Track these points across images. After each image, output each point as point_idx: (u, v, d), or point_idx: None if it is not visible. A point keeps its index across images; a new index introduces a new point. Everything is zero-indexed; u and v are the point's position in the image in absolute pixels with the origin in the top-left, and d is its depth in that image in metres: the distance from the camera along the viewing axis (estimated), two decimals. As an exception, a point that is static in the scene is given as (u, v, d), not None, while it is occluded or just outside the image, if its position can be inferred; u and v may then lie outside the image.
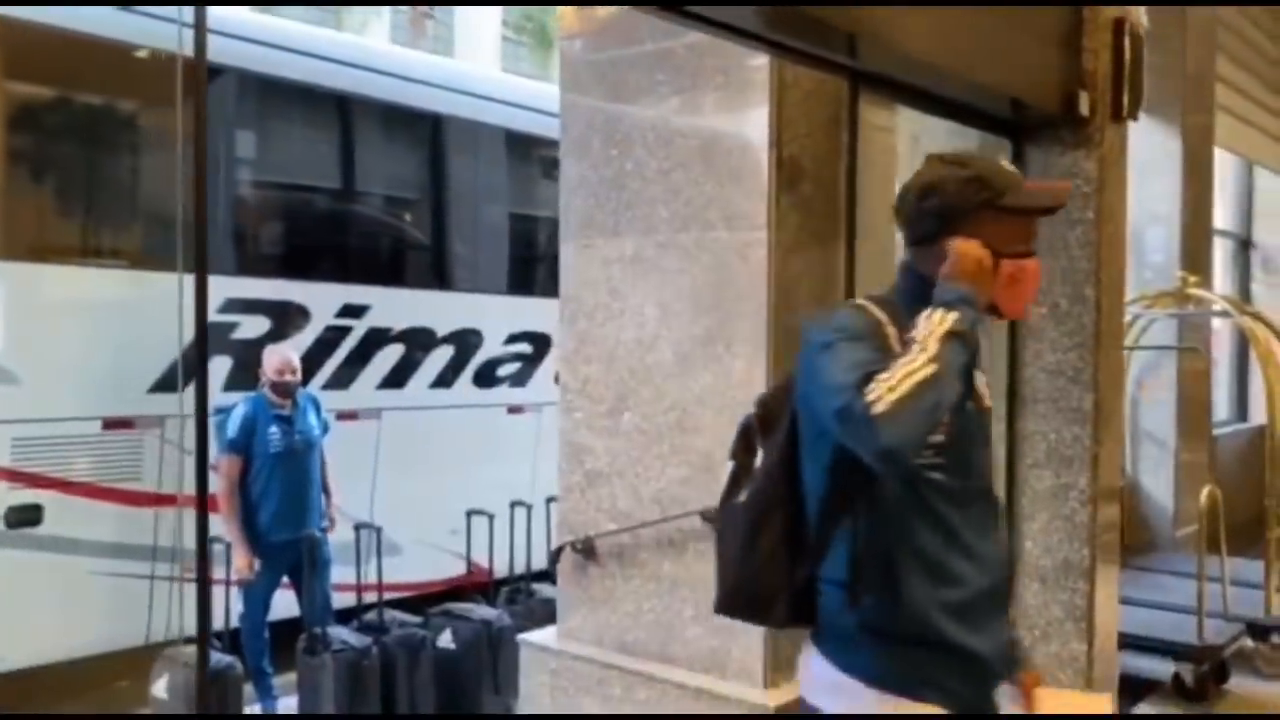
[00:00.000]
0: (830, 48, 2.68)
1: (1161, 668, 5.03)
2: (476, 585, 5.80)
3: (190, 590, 5.49)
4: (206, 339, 2.10)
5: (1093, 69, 3.42)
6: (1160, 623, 5.07)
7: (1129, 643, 4.53)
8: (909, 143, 3.69)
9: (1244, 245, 10.14)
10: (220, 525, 5.01)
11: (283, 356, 5.34)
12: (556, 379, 4.07)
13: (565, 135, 3.95)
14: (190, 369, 5.48)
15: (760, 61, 3.36)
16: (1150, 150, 6.29)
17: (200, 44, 1.84)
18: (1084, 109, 3.34)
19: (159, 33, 5.18)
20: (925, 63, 2.77)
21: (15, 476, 5.08)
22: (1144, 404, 6.70)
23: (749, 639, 3.41)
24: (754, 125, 3.39)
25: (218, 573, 4.72)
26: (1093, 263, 3.44)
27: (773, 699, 3.32)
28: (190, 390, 5.44)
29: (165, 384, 5.47)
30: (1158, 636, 4.97)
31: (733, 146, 3.47)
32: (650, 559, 3.69)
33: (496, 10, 20.66)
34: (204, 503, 2.74)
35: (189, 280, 5.36)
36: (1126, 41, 3.41)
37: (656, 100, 3.67)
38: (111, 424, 5.42)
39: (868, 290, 2.90)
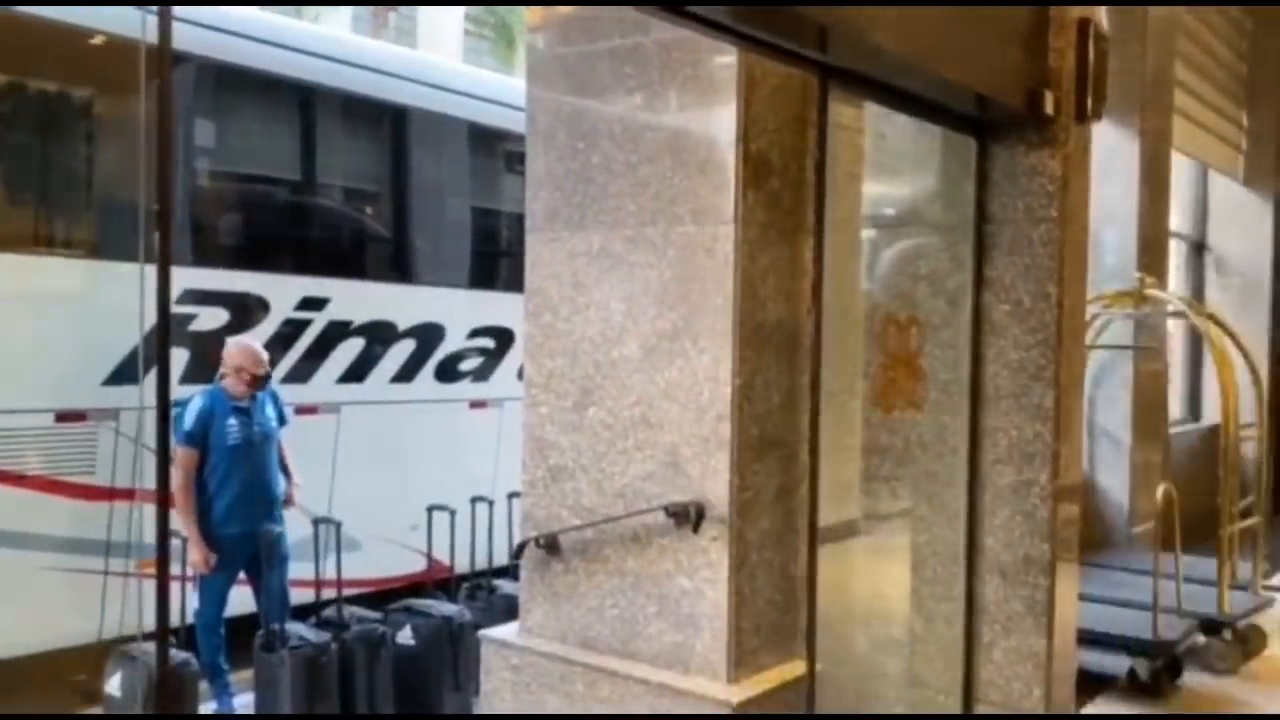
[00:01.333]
0: (801, 41, 2.68)
1: (1116, 663, 5.10)
2: (437, 581, 5.76)
3: (145, 586, 5.43)
4: (169, 330, 2.06)
5: (1058, 68, 3.45)
6: (1116, 619, 5.14)
7: (1085, 638, 4.58)
8: (875, 140, 3.71)
9: (1198, 248, 10.32)
10: (176, 519, 4.93)
11: (254, 350, 5.26)
12: (520, 374, 4.04)
13: (531, 128, 3.92)
14: (147, 361, 5.40)
15: (728, 58, 3.35)
16: (1108, 152, 6.36)
17: (165, 32, 1.79)
18: (1049, 108, 3.37)
19: (120, 18, 5.09)
20: (895, 58, 2.78)
21: (-37, 470, 4.97)
22: (1100, 403, 6.79)
23: (712, 635, 3.41)
24: (722, 120, 3.39)
25: (173, 568, 4.64)
26: (1055, 261, 3.47)
27: (735, 694, 3.32)
28: (147, 382, 5.38)
29: (120, 376, 5.37)
30: (1113, 632, 5.04)
31: (700, 141, 3.46)
32: (614, 555, 3.67)
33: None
34: (164, 498, 2.68)
35: (148, 270, 5.28)
36: (1091, 42, 3.45)
37: (624, 94, 3.66)
38: (64, 417, 5.32)
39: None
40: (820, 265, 3.17)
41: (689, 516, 3.44)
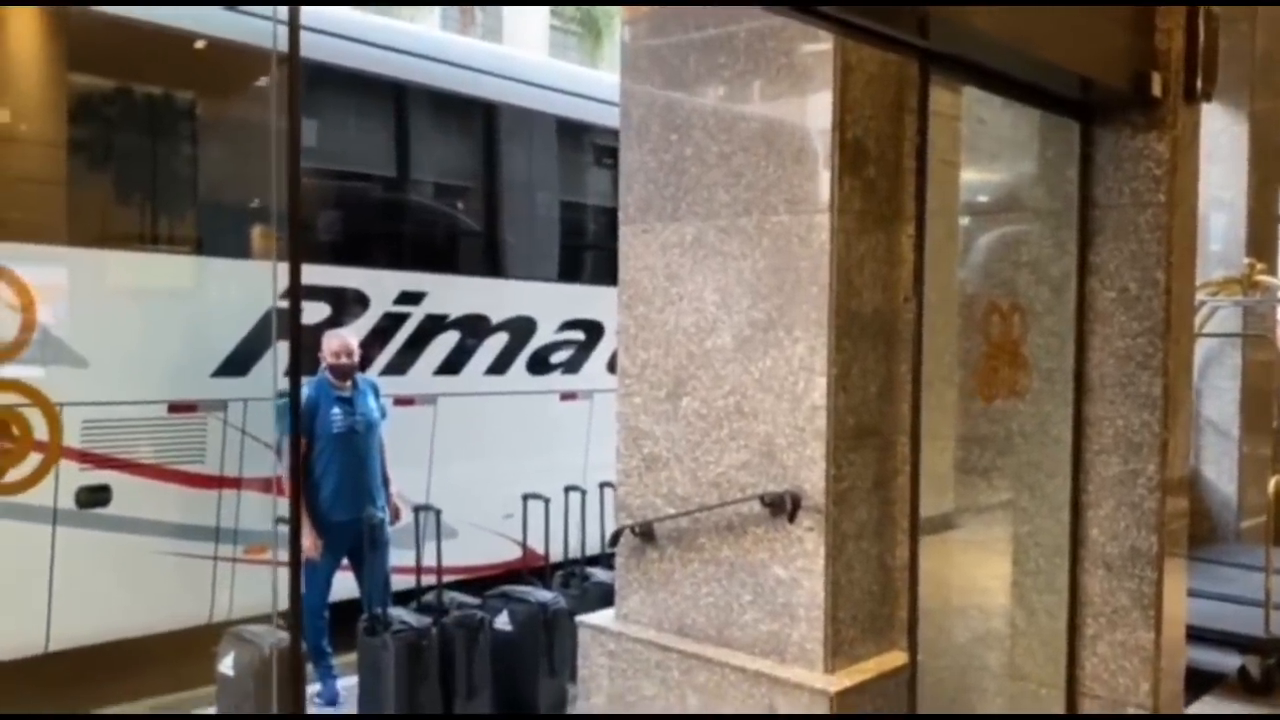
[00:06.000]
0: (901, 27, 2.66)
1: (1226, 660, 4.95)
2: (531, 568, 5.85)
3: (252, 570, 5.63)
4: (300, 329, 2.15)
5: (1166, 49, 3.35)
6: (1225, 615, 4.99)
7: (1192, 634, 4.46)
8: (973, 125, 3.66)
9: (1310, 233, 9.89)
10: (285, 506, 5.10)
11: (341, 340, 5.42)
12: (610, 365, 4.08)
13: (624, 121, 3.96)
14: (254, 354, 5.60)
15: (823, 45, 3.34)
16: (1214, 135, 6.15)
17: (294, 40, 1.87)
18: (1156, 90, 3.28)
19: (244, 25, 5.28)
20: (995, 41, 2.74)
21: (85, 458, 5.21)
22: (1206, 393, 6.58)
23: (809, 624, 3.41)
24: (817, 108, 3.38)
25: (281, 553, 4.82)
26: (1163, 247, 3.38)
27: (834, 684, 3.31)
28: (253, 374, 5.58)
29: (228, 368, 5.58)
30: (1223, 628, 4.89)
31: (795, 130, 3.46)
32: (709, 543, 3.69)
33: (545, -1, 20.71)
34: (296, 483, 2.78)
35: (254, 266, 5.46)
36: (1201, 21, 3.34)
37: (718, 84, 3.67)
38: (176, 408, 5.54)
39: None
40: (921, 253, 3.14)
41: (784, 506, 3.44)
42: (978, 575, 3.92)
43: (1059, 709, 3.60)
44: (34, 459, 5.04)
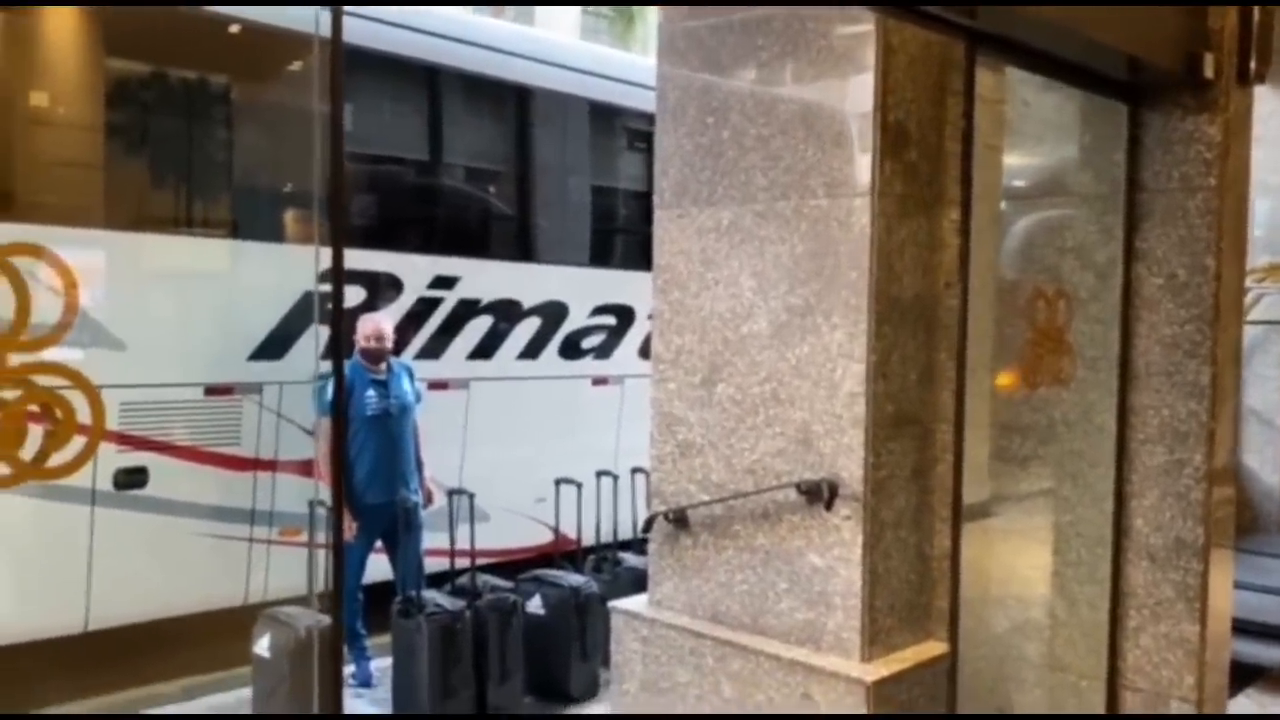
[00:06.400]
0: (949, 7, 2.60)
1: (1268, 653, 4.88)
2: (563, 553, 5.86)
3: (287, 552, 5.67)
4: (341, 313, 2.15)
5: (1219, 29, 3.27)
6: (1268, 606, 4.92)
7: (1234, 626, 4.39)
8: (1018, 107, 3.59)
9: (1357, 218, 9.68)
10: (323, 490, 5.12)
11: (375, 324, 5.44)
12: (641, 351, 4.05)
13: (660, 104, 3.91)
14: (289, 337, 5.63)
15: (864, 27, 3.28)
16: (1263, 118, 6.01)
17: (336, 26, 1.86)
18: (1209, 71, 3.20)
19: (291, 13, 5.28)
20: (1044, 21, 2.67)
21: (123, 440, 5.26)
22: (1250, 381, 6.46)
23: (845, 613, 3.38)
24: (858, 90, 3.32)
25: (317, 536, 4.85)
26: (1213, 232, 3.31)
27: (870, 673, 3.28)
28: (289, 357, 5.61)
29: (264, 352, 5.61)
30: (1265, 620, 4.82)
31: (835, 112, 3.40)
32: (743, 530, 3.67)
33: (577, -17, 20.60)
34: (339, 467, 2.80)
35: (290, 250, 5.47)
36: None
37: (756, 66, 3.62)
38: (213, 390, 5.57)
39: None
40: (967, 238, 3.08)
41: (821, 494, 3.40)
42: (1017, 565, 3.88)
43: (1099, 701, 3.55)
44: (77, 442, 5.09)
